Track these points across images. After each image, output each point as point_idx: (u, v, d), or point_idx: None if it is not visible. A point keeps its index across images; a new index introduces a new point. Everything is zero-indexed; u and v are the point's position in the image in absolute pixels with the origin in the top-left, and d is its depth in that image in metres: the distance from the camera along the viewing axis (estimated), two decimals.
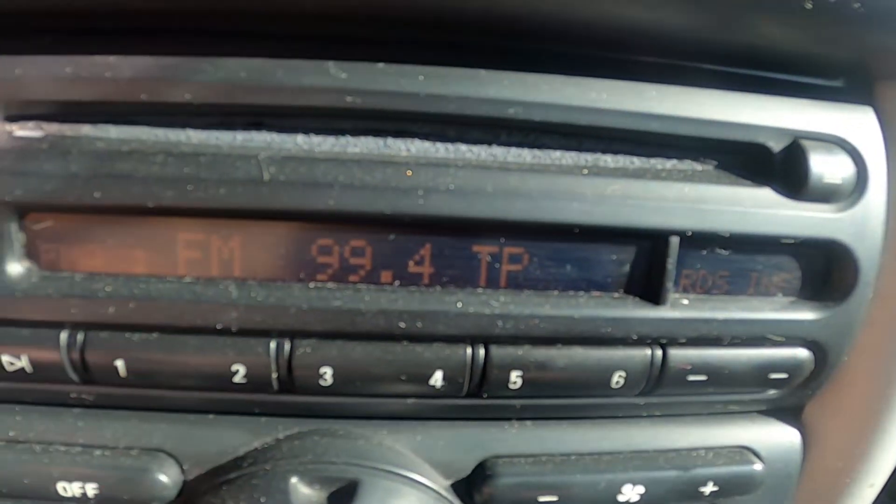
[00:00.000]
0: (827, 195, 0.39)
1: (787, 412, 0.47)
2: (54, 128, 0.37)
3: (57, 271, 0.36)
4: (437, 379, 0.38)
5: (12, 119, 0.36)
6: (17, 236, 0.35)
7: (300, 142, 0.37)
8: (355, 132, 0.38)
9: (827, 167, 0.39)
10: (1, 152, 0.34)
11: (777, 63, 0.41)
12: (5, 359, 0.36)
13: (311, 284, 0.37)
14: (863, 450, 0.46)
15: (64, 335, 0.36)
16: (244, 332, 0.37)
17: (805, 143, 0.39)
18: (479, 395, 0.40)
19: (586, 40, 0.39)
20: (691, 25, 0.38)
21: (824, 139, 0.40)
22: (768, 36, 0.39)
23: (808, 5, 0.35)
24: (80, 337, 0.36)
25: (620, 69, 0.39)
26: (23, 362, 0.36)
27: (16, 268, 0.35)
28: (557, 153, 0.39)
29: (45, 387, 0.38)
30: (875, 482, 0.48)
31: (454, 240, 0.37)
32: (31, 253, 0.36)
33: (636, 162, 0.40)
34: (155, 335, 0.36)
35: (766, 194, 0.39)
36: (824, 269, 0.41)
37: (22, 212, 0.35)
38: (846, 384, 0.45)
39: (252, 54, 0.36)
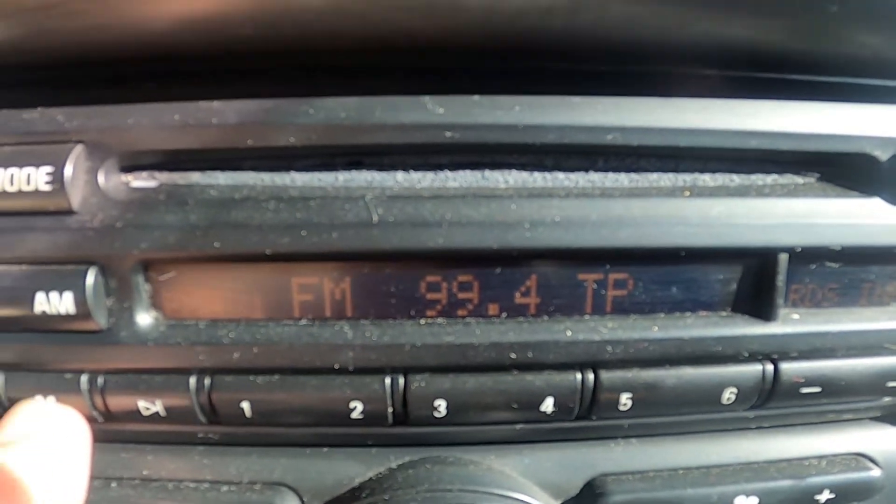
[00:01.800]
0: None
1: None
2: (165, 177, 0.38)
3: (182, 320, 0.38)
4: (548, 405, 0.39)
5: (126, 169, 0.38)
6: (144, 287, 0.37)
7: (400, 179, 0.38)
8: (453, 166, 0.39)
9: None
10: (122, 205, 0.36)
11: (875, 69, 0.40)
12: (142, 404, 0.38)
13: (422, 321, 0.38)
14: None
15: (193, 380, 0.38)
16: (360, 371, 0.38)
17: None
18: (588, 418, 0.40)
19: (679, 60, 0.39)
20: (788, 39, 0.37)
21: None
22: (869, 46, 0.38)
23: None
24: (207, 381, 0.38)
25: (713, 86, 0.39)
26: (157, 407, 0.38)
27: (145, 318, 0.37)
28: (655, 175, 0.39)
29: (175, 428, 0.40)
30: None
31: (559, 269, 0.38)
32: (156, 303, 0.38)
33: (736, 179, 0.39)
34: (277, 377, 0.38)
35: (876, 204, 0.38)
36: None
37: (147, 264, 0.37)
38: None
39: (349, 91, 0.37)
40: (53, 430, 0.36)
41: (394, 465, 0.42)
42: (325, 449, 0.42)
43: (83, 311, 0.35)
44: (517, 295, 0.38)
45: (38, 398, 0.38)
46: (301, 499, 0.42)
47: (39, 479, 0.34)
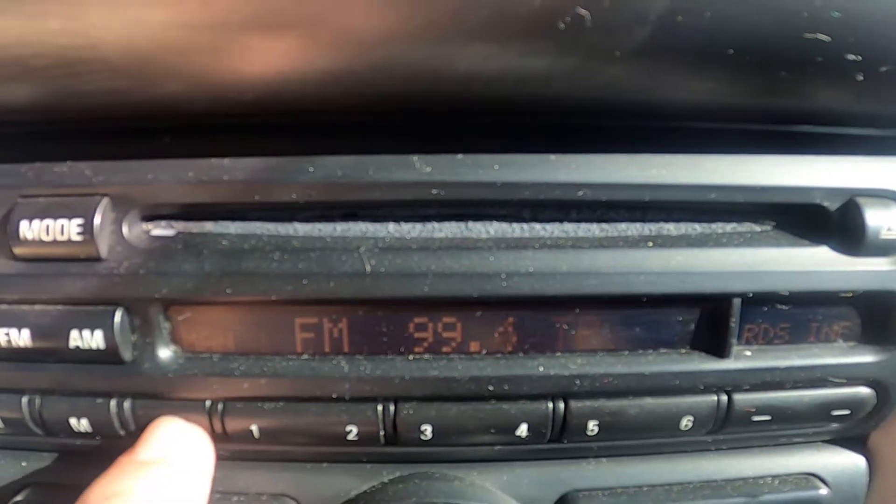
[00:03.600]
0: (884, 249, 0.41)
1: (852, 440, 0.50)
2: (182, 225, 0.43)
3: (198, 353, 0.43)
4: (523, 430, 0.43)
5: (147, 218, 0.43)
6: (164, 325, 0.42)
7: (392, 230, 0.42)
8: (439, 218, 0.43)
9: (883, 222, 0.41)
10: (145, 253, 0.41)
11: (831, 119, 0.43)
12: None
13: (411, 357, 0.42)
14: None
15: (207, 406, 0.43)
16: (355, 399, 0.42)
17: (861, 200, 0.41)
18: (559, 441, 0.45)
19: (647, 115, 0.43)
20: (746, 98, 0.41)
21: (880, 195, 0.42)
22: (822, 101, 0.41)
23: (860, 77, 0.37)
24: (220, 407, 0.43)
25: (678, 138, 0.42)
26: None
27: (165, 352, 0.42)
28: (623, 225, 0.43)
29: None
30: None
31: (534, 312, 0.42)
32: (175, 339, 0.43)
33: (698, 228, 0.43)
34: (282, 404, 0.43)
35: (823, 252, 0.42)
36: (883, 316, 0.44)
37: (167, 305, 0.42)
38: None
39: (346, 148, 0.41)
40: (187, 450, 0.42)
41: (386, 480, 0.47)
42: (325, 464, 0.47)
43: (111, 347, 0.40)
44: (496, 334, 0.42)
45: (173, 418, 0.43)
46: None
47: (175, 497, 0.39)
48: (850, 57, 0.36)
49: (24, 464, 0.47)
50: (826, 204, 0.42)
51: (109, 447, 0.43)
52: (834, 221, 0.42)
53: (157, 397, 0.43)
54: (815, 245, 0.42)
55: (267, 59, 0.37)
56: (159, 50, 0.36)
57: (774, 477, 0.48)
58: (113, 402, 0.43)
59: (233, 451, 0.45)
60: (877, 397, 0.45)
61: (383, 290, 0.40)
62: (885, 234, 0.41)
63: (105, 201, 0.40)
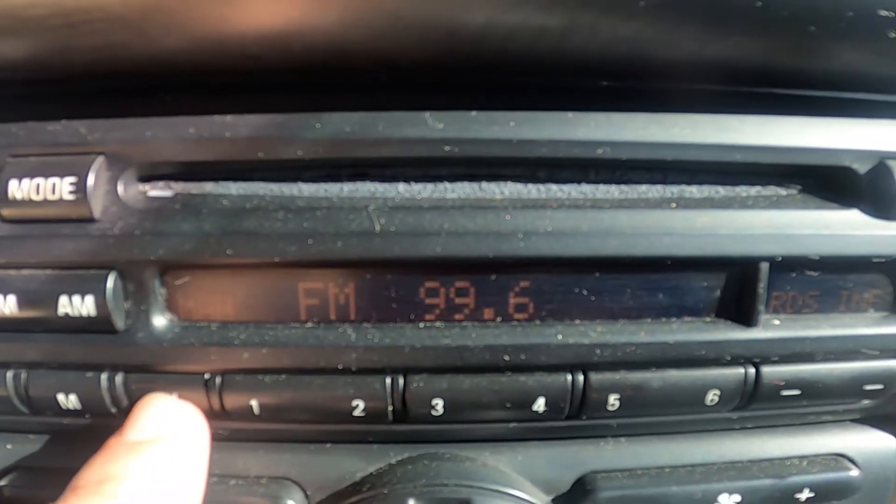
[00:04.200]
0: None
1: (883, 419, 0.47)
2: (181, 186, 0.41)
3: (195, 322, 0.40)
4: (540, 405, 0.41)
5: (144, 179, 0.40)
6: (160, 291, 0.40)
7: (402, 190, 0.40)
8: (452, 178, 0.41)
9: None
10: (140, 214, 0.38)
11: (861, 83, 0.42)
12: None
13: (421, 324, 0.40)
14: None
15: (205, 378, 0.40)
16: (362, 371, 0.40)
17: (891, 163, 0.40)
18: (578, 417, 0.42)
19: (667, 76, 0.41)
20: (774, 57, 0.39)
21: None
22: (852, 62, 0.39)
23: (892, 34, 0.36)
24: (218, 380, 0.40)
25: (701, 101, 0.41)
26: None
27: (161, 320, 0.40)
28: (644, 187, 0.41)
29: None
30: None
31: (551, 276, 0.40)
32: (171, 306, 0.40)
33: (721, 191, 0.41)
34: (284, 376, 0.40)
35: (853, 216, 0.40)
36: None
37: (163, 269, 0.39)
38: None
39: (355, 106, 0.39)
40: (181, 429, 0.39)
41: (393, 461, 0.44)
42: (329, 445, 0.45)
43: (103, 314, 0.38)
44: (511, 300, 0.40)
45: (163, 395, 0.40)
46: (305, 492, 0.44)
47: (171, 478, 0.37)
48: (883, 13, 0.35)
49: (9, 446, 0.45)
50: (855, 166, 0.40)
51: (100, 427, 0.41)
52: (864, 185, 0.40)
53: (152, 370, 0.40)
54: (845, 208, 0.40)
55: (273, 9, 0.35)
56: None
57: (802, 458, 0.46)
58: (104, 376, 0.40)
59: (231, 430, 0.43)
60: None
61: (394, 250, 0.38)
62: None
63: (100, 160, 0.38)
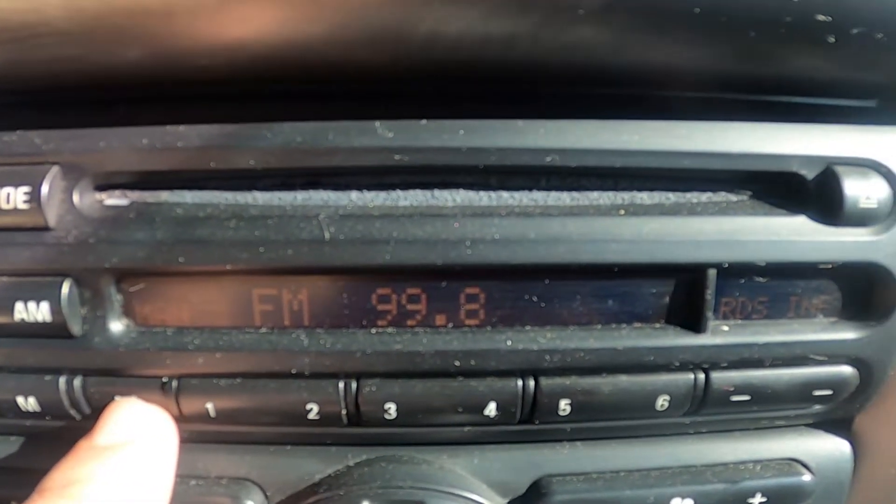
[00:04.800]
0: (863, 219, 0.40)
1: (837, 424, 0.48)
2: (137, 195, 0.41)
3: (151, 327, 0.41)
4: (491, 409, 0.42)
5: (101, 188, 0.41)
6: (116, 298, 0.40)
7: (354, 198, 0.41)
8: (404, 186, 0.41)
9: (862, 191, 0.40)
10: (95, 222, 0.39)
11: (807, 88, 0.42)
12: None
13: (374, 330, 0.41)
14: None
15: (161, 382, 0.41)
16: (315, 375, 0.41)
17: (838, 168, 0.40)
18: (531, 422, 0.43)
19: (616, 82, 0.42)
20: (719, 62, 0.39)
21: (858, 163, 0.41)
22: (797, 67, 0.40)
23: (831, 39, 0.36)
24: (174, 384, 0.41)
25: (650, 107, 0.41)
26: None
27: (117, 325, 0.40)
28: (595, 194, 0.41)
29: None
30: None
31: (502, 282, 0.40)
32: (128, 311, 0.41)
33: (672, 197, 0.42)
34: (239, 380, 0.41)
35: (801, 222, 0.40)
36: (865, 289, 0.42)
37: (118, 276, 0.40)
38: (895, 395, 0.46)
39: (307, 116, 0.39)
40: (149, 433, 0.40)
41: (351, 463, 0.45)
42: (289, 447, 0.45)
43: (59, 320, 0.39)
44: (462, 307, 0.41)
45: (134, 399, 0.41)
46: (265, 493, 0.45)
47: (137, 483, 0.37)
48: (821, 17, 0.35)
49: None
50: (803, 172, 0.41)
51: (66, 429, 0.42)
52: (812, 190, 0.41)
53: (109, 373, 0.41)
54: (793, 214, 0.41)
55: (221, 23, 0.36)
56: (107, 13, 0.34)
57: (756, 462, 0.46)
58: (62, 380, 0.41)
59: (191, 432, 0.43)
60: (859, 377, 0.43)
61: (343, 258, 0.38)
62: (863, 204, 0.40)
63: (55, 169, 0.39)
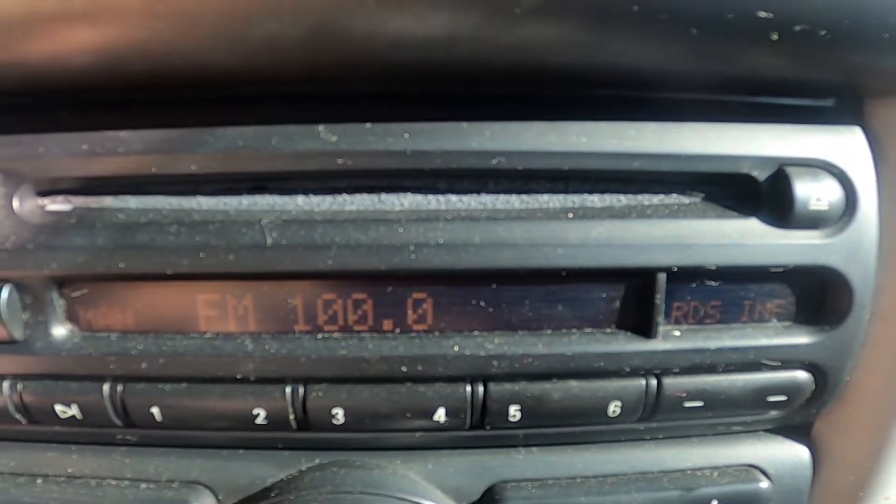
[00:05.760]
0: (815, 221, 0.39)
1: (795, 430, 0.47)
2: (80, 200, 0.41)
3: (95, 332, 0.41)
4: (441, 415, 0.41)
5: (44, 194, 0.41)
6: (59, 303, 0.40)
7: (300, 203, 0.40)
8: (351, 190, 0.41)
9: (813, 193, 0.39)
10: (36, 228, 0.39)
11: (762, 87, 0.42)
12: (59, 408, 0.41)
13: (319, 335, 0.40)
14: (876, 463, 0.46)
15: (105, 387, 0.40)
16: (261, 380, 0.40)
17: (790, 169, 0.39)
18: (482, 427, 0.42)
19: (562, 83, 0.41)
20: (668, 60, 0.39)
21: (810, 164, 0.40)
22: (744, 65, 0.39)
23: (774, 36, 0.35)
24: (119, 388, 0.40)
25: (599, 107, 0.40)
26: (73, 411, 0.41)
27: (60, 330, 0.40)
28: (545, 197, 0.41)
29: (94, 430, 0.43)
30: (890, 495, 0.48)
31: (449, 287, 0.40)
32: (71, 316, 0.40)
33: (623, 200, 0.41)
34: (184, 385, 0.40)
35: (752, 225, 0.40)
36: (819, 293, 0.42)
37: (60, 282, 0.40)
38: (854, 401, 0.45)
39: (249, 120, 0.39)
40: None
41: (304, 468, 0.45)
42: (241, 451, 0.45)
43: None
44: (409, 312, 0.40)
45: None
46: (217, 497, 0.44)
47: None
48: (762, 14, 0.34)
49: None
50: (755, 174, 0.40)
51: (9, 432, 0.42)
52: (763, 192, 0.40)
53: (52, 378, 0.40)
54: (744, 217, 0.40)
55: (154, 26, 0.35)
56: (30, 15, 0.34)
57: (713, 469, 0.45)
58: (6, 384, 0.40)
59: (140, 435, 0.43)
60: (815, 382, 0.43)
61: (285, 264, 0.38)
62: (814, 205, 0.39)
63: None
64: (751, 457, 0.46)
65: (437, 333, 0.40)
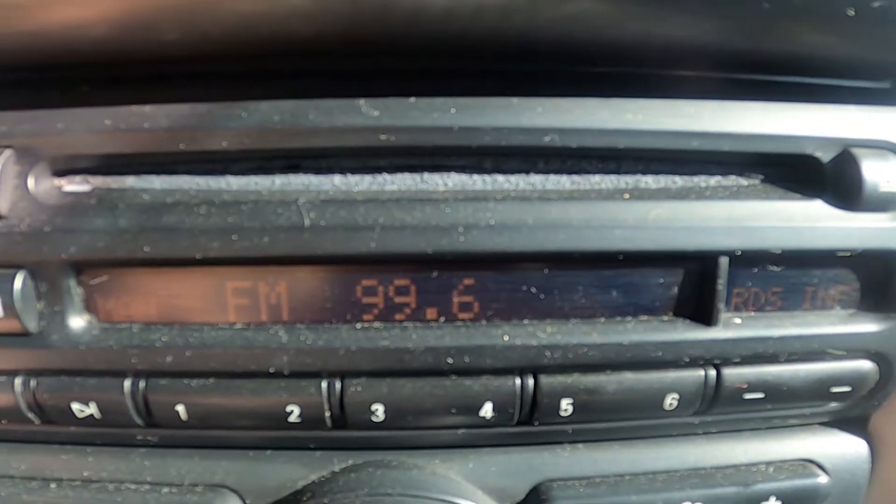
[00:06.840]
0: (883, 204, 0.38)
1: (853, 423, 0.45)
2: (100, 181, 0.38)
3: (115, 323, 0.38)
4: (488, 410, 0.39)
5: (60, 174, 0.38)
6: (76, 291, 0.37)
7: (338, 182, 0.38)
8: (391, 169, 0.38)
9: (881, 175, 0.37)
10: (53, 209, 0.36)
11: (821, 68, 0.40)
12: (75, 406, 0.38)
13: (358, 325, 0.38)
14: None
15: (127, 383, 0.37)
16: (296, 374, 0.37)
17: (856, 151, 0.38)
18: (530, 423, 0.40)
19: (619, 59, 0.39)
20: (728, 38, 0.37)
21: (876, 146, 0.38)
22: (810, 44, 0.37)
23: (851, 12, 0.33)
24: (141, 384, 0.37)
25: (655, 86, 0.39)
26: (91, 409, 0.38)
27: (77, 321, 0.37)
28: (597, 177, 0.39)
29: (113, 430, 0.40)
30: None
31: (497, 273, 0.37)
32: (90, 306, 0.37)
33: (678, 181, 0.39)
34: (212, 380, 0.38)
35: (817, 207, 0.38)
36: (884, 279, 0.40)
37: (78, 268, 0.37)
38: None
39: (284, 95, 0.36)
40: None
41: (337, 469, 0.42)
42: (269, 452, 0.42)
43: (11, 315, 0.35)
44: (454, 299, 0.38)
45: None
46: (244, 501, 0.41)
47: None
48: None
49: None
50: (819, 155, 0.38)
51: (22, 433, 0.38)
52: (828, 174, 0.38)
53: (68, 373, 0.37)
54: (809, 199, 0.38)
55: None
56: None
57: (768, 463, 0.43)
58: (18, 380, 0.37)
59: (161, 436, 0.40)
60: (879, 372, 0.41)
61: (324, 246, 0.35)
62: (884, 188, 0.37)
63: (7, 153, 0.35)
64: (807, 451, 0.44)
65: (484, 322, 0.38)
